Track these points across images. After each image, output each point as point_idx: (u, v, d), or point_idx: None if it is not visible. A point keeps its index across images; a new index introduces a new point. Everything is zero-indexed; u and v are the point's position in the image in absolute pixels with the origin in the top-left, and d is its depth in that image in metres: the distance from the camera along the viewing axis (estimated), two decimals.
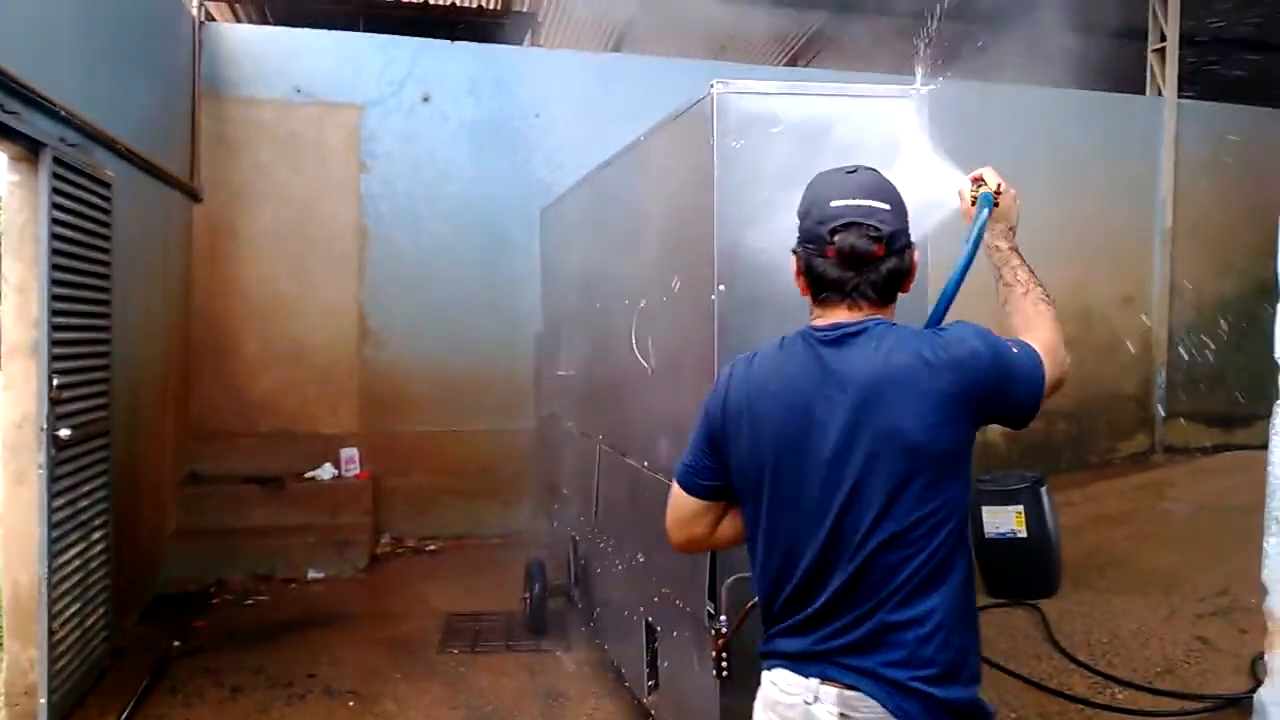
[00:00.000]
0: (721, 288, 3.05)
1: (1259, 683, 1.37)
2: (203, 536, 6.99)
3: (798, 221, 2.01)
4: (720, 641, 3.10)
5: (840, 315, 1.96)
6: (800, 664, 1.91)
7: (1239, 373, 9.90)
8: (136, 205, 5.85)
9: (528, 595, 5.87)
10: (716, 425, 2.03)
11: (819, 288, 1.99)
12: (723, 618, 3.11)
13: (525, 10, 9.81)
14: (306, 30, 8.11)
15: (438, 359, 7.95)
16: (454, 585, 6.84)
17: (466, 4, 9.63)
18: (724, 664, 3.11)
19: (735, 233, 3.07)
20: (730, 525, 2.14)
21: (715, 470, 2.06)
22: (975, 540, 6.48)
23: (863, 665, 1.83)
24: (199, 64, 7.49)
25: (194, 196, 7.45)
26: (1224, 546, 6.49)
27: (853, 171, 2.01)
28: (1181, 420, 10.40)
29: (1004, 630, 5.85)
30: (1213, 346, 10.07)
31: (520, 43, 9.32)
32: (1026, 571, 6.38)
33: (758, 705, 2.02)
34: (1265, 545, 1.43)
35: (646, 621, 3.97)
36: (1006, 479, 6.66)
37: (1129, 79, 10.67)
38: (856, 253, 1.92)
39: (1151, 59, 10.45)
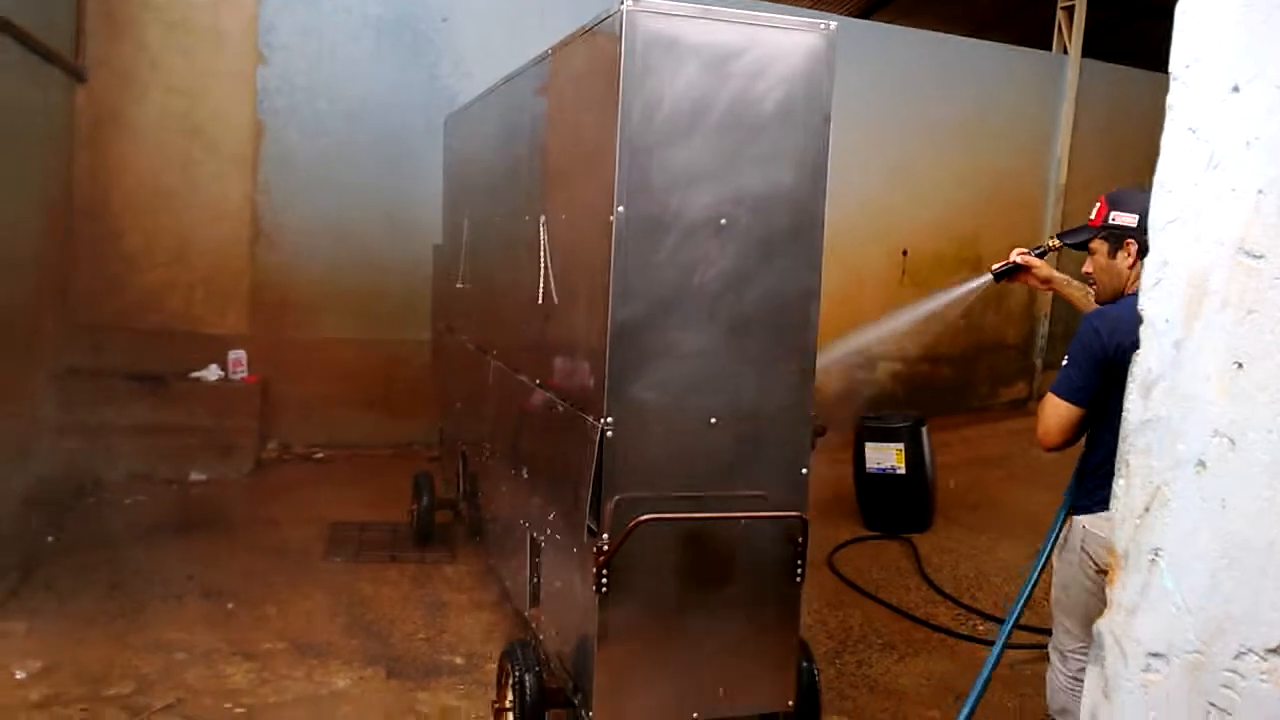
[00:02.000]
0: (621, 209, 3.05)
1: None
2: (79, 433, 6.76)
3: (1137, 217, 3.12)
4: (601, 559, 3.16)
5: None
6: None
7: None
8: (13, 80, 5.51)
9: (415, 507, 5.87)
10: (1106, 358, 3.00)
11: None
12: (604, 535, 3.16)
13: None
14: None
15: (333, 264, 7.75)
16: (341, 494, 6.79)
17: None
18: (604, 580, 3.18)
19: (638, 153, 3.06)
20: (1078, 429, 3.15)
21: (1095, 388, 3.03)
22: (857, 475, 6.71)
23: None
24: None
25: (78, 76, 7.05)
26: None
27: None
28: None
29: (877, 560, 6.10)
30: None
31: None
32: (902, 506, 6.64)
33: (1091, 533, 3.14)
34: (1115, 486, 1.51)
35: (531, 537, 4.02)
36: (890, 418, 6.88)
37: (1044, 35, 10.87)
38: None
39: (1060, 16, 10.64)
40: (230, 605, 4.90)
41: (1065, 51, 10.60)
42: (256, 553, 5.62)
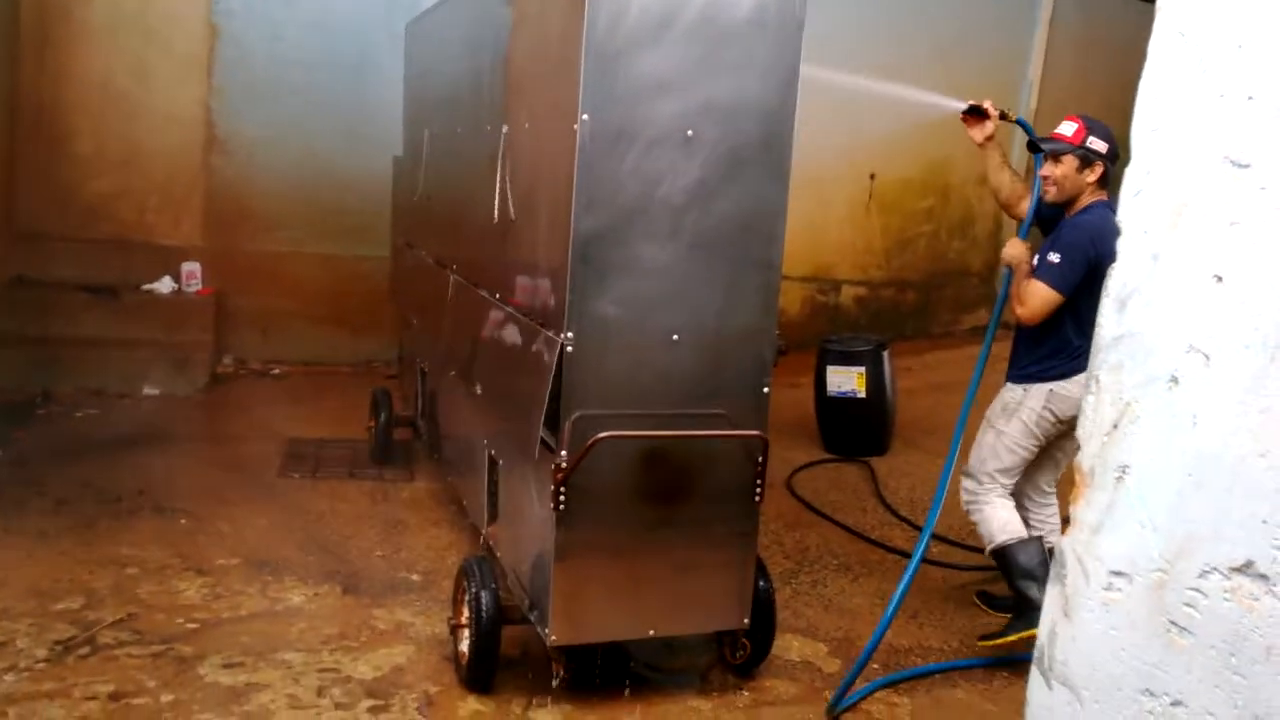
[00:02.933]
0: (585, 118, 2.94)
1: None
2: (28, 344, 6.60)
3: (1107, 146, 3.81)
4: (560, 476, 3.13)
5: None
6: None
7: None
8: None
9: (373, 424, 5.80)
10: (1094, 262, 3.65)
11: (1107, 182, 3.75)
12: (563, 453, 3.12)
13: None
14: None
15: (290, 175, 7.53)
16: (298, 410, 6.69)
17: None
18: (562, 498, 3.15)
19: (604, 60, 2.95)
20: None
21: (1081, 280, 3.69)
22: (817, 398, 6.71)
23: None
24: None
25: None
26: None
27: None
28: None
29: (835, 483, 6.13)
30: None
31: None
32: (862, 430, 6.66)
33: (1057, 393, 3.95)
34: (1083, 404, 1.47)
35: (489, 454, 3.98)
36: (852, 341, 6.87)
37: None
38: None
39: None
40: (183, 521, 4.83)
41: None
42: (211, 468, 5.54)
